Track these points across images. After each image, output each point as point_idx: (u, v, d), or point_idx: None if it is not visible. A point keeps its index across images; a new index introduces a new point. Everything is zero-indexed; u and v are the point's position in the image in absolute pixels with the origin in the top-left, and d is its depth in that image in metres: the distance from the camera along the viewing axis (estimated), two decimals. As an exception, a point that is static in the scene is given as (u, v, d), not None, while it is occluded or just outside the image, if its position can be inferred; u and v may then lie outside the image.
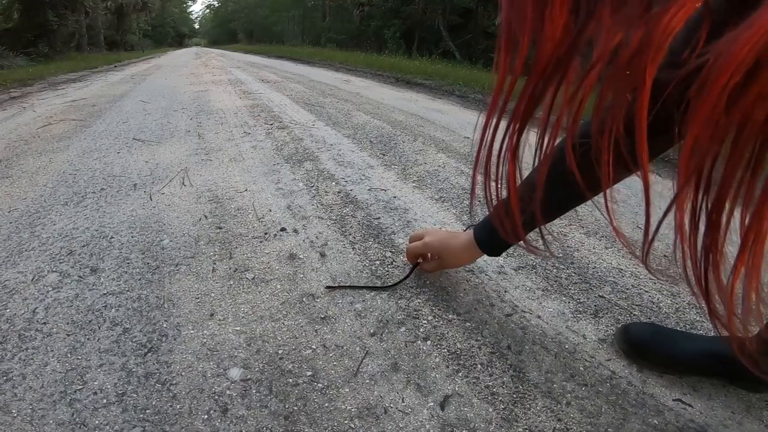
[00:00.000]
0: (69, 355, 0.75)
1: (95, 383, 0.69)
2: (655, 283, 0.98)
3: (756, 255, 0.27)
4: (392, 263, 1.04)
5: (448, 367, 0.73)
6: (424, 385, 0.69)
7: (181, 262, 1.04)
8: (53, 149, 2.09)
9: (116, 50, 19.39)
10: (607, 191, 0.33)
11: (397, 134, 2.34)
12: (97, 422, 0.63)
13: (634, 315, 0.87)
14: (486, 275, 0.99)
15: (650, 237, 0.35)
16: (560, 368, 0.73)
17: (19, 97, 4.08)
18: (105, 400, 0.66)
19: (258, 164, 1.80)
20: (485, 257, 1.05)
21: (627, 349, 0.75)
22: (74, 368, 0.72)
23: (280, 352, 0.76)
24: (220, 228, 1.22)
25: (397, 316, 0.85)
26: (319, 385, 0.69)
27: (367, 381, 0.70)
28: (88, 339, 0.79)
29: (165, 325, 0.82)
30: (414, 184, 1.57)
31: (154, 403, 0.66)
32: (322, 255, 1.08)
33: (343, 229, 1.21)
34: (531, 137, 0.34)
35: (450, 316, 0.85)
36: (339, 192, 1.49)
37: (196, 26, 66.57)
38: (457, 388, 0.69)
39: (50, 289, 0.94)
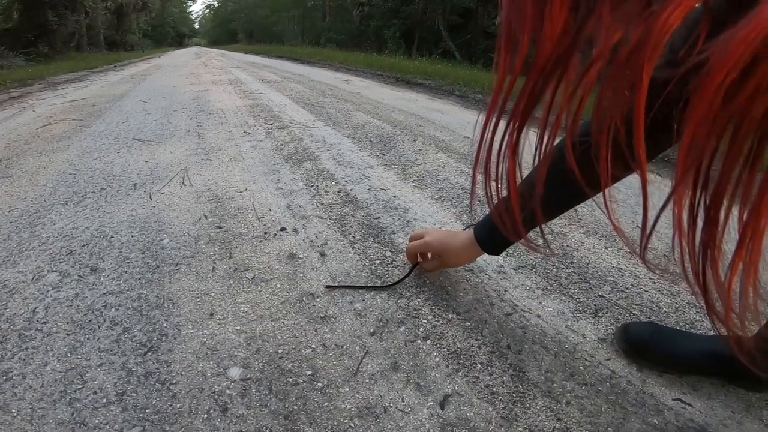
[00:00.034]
0: (69, 355, 0.75)
1: (95, 383, 0.69)
2: (654, 283, 0.98)
3: (753, 251, 0.27)
4: (392, 263, 1.04)
5: (447, 366, 0.73)
6: (424, 385, 0.69)
7: (181, 262, 1.04)
8: (53, 149, 2.09)
9: (116, 50, 19.39)
10: (607, 182, 0.33)
11: (397, 134, 2.34)
12: (96, 422, 0.63)
13: (633, 314, 0.87)
14: (486, 275, 0.99)
15: (648, 232, 0.35)
16: (560, 367, 0.73)
17: (19, 97, 4.08)
18: (105, 400, 0.66)
19: (258, 164, 1.80)
20: (485, 256, 1.05)
21: (627, 348, 0.75)
22: (74, 368, 0.72)
23: (279, 351, 0.76)
24: (220, 227, 1.22)
25: (396, 316, 0.85)
26: (319, 384, 0.69)
27: (367, 380, 0.70)
28: (87, 338, 0.79)
29: (165, 325, 0.82)
30: (414, 184, 1.57)
31: (153, 402, 0.66)
32: (322, 254, 1.08)
33: (343, 229, 1.21)
34: (531, 138, 0.34)
35: (450, 315, 0.85)
36: (339, 191, 1.49)
37: (196, 26, 66.59)
38: (456, 388, 0.69)
39: (50, 288, 0.94)
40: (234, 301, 0.89)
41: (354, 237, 1.17)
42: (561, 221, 1.27)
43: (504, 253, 1.08)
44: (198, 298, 0.90)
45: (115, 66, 9.14)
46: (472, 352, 0.76)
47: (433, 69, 6.16)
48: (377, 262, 1.04)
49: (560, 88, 0.30)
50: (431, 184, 1.57)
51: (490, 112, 0.34)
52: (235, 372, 0.71)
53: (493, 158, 0.36)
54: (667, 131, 0.38)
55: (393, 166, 1.78)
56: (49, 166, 1.82)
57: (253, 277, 0.98)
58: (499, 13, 0.32)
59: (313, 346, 0.77)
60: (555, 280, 0.98)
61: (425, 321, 0.84)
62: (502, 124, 0.34)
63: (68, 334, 0.80)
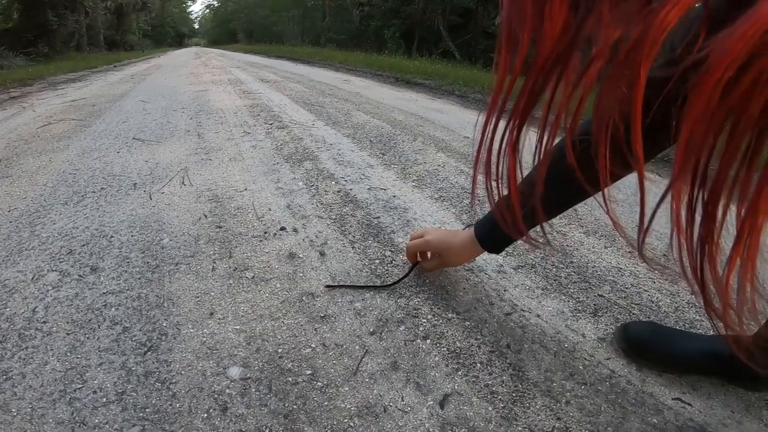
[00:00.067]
0: (69, 354, 0.75)
1: (95, 382, 0.69)
2: (654, 282, 0.98)
3: (751, 247, 0.27)
4: (392, 262, 1.04)
5: (447, 365, 0.73)
6: (424, 384, 0.69)
7: (181, 261, 1.04)
8: (53, 149, 2.09)
9: (116, 50, 19.38)
10: (606, 179, 0.33)
11: (397, 134, 2.34)
12: (96, 421, 0.63)
13: (633, 314, 0.87)
14: (485, 274, 0.99)
15: (645, 227, 0.35)
16: (559, 367, 0.73)
17: (19, 97, 4.08)
18: (105, 399, 0.66)
19: (258, 164, 1.80)
20: (485, 256, 1.05)
21: (626, 348, 0.75)
22: (74, 367, 0.72)
23: (279, 350, 0.76)
24: (220, 227, 1.22)
25: (396, 315, 0.85)
26: (319, 383, 0.69)
27: (367, 380, 0.70)
28: (87, 338, 0.79)
29: (165, 324, 0.82)
30: (413, 184, 1.57)
31: (153, 401, 0.66)
32: (322, 254, 1.08)
33: (343, 228, 1.21)
34: (531, 138, 0.34)
35: (449, 314, 0.85)
36: (338, 191, 1.49)
37: (196, 26, 66.58)
38: (456, 387, 0.69)
39: (50, 288, 0.94)
40: (234, 301, 0.89)
41: (354, 236, 1.17)
42: (561, 221, 1.27)
43: (503, 253, 1.08)
44: (198, 297, 0.90)
45: (115, 66, 9.14)
46: (472, 351, 0.76)
47: (433, 69, 6.16)
48: (377, 261, 1.04)
49: (560, 87, 0.30)
50: (431, 183, 1.57)
51: (491, 111, 0.34)
52: (234, 371, 0.71)
53: (494, 156, 0.36)
54: (666, 129, 0.38)
55: (393, 165, 1.78)
56: (48, 165, 1.82)
57: (253, 277, 0.98)
58: (500, 13, 0.32)
59: (313, 345, 0.77)
60: (555, 280, 0.98)
61: (425, 320, 0.84)
62: (503, 123, 0.34)
63: (68, 334, 0.80)
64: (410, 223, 1.25)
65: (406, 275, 0.94)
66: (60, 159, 1.91)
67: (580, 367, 0.73)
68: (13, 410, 0.64)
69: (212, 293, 0.92)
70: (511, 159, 0.35)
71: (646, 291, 0.95)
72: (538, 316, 0.86)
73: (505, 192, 0.38)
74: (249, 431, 0.61)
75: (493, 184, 0.37)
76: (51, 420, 0.63)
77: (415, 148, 2.05)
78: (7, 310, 0.87)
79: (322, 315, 0.85)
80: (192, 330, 0.81)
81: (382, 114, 2.94)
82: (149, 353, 0.75)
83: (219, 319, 0.84)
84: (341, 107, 3.19)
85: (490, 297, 0.91)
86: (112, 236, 1.18)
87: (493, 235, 0.80)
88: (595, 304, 0.90)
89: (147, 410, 0.64)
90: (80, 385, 0.69)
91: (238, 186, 1.54)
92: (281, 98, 3.65)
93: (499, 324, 0.83)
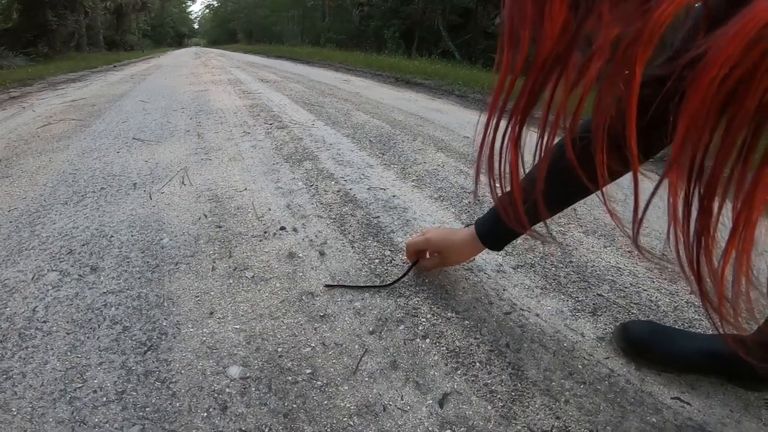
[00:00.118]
0: (69, 354, 0.75)
1: (95, 381, 0.69)
2: (653, 282, 0.98)
3: (746, 240, 0.28)
4: (391, 261, 1.04)
5: (446, 365, 0.73)
6: (423, 383, 0.69)
7: (181, 261, 1.04)
8: (53, 149, 2.09)
9: (116, 50, 19.37)
10: (603, 173, 0.34)
11: (397, 134, 2.34)
12: (96, 420, 0.63)
13: (632, 313, 0.87)
14: (485, 273, 1.00)
15: (639, 217, 0.36)
16: (559, 366, 0.73)
17: (19, 97, 4.08)
18: (105, 399, 0.66)
19: (257, 163, 1.80)
20: (484, 255, 1.06)
21: (625, 347, 0.76)
22: (74, 366, 0.72)
23: (279, 350, 0.76)
24: (220, 227, 1.22)
25: (396, 314, 0.85)
26: (319, 382, 0.69)
27: (366, 379, 0.70)
28: (87, 337, 0.79)
29: (165, 324, 0.82)
30: (413, 183, 1.57)
31: (153, 401, 0.66)
32: (322, 253, 1.08)
33: (343, 228, 1.21)
34: (531, 138, 0.35)
35: (449, 314, 0.86)
36: (338, 191, 1.49)
37: (196, 26, 66.55)
38: (455, 386, 0.69)
39: (50, 287, 0.95)
40: (234, 300, 0.89)
41: (353, 236, 1.17)
42: (560, 221, 1.27)
43: (503, 252, 1.08)
44: (198, 297, 0.90)
45: (115, 66, 9.14)
46: (471, 350, 0.76)
47: (433, 69, 6.17)
48: (376, 261, 1.05)
49: (560, 87, 0.31)
50: (430, 183, 1.58)
51: (493, 108, 0.34)
52: (234, 370, 0.72)
53: (496, 153, 0.36)
54: (664, 126, 0.38)
55: (392, 165, 1.78)
56: (48, 165, 1.82)
57: (253, 276, 0.98)
58: (501, 12, 0.32)
59: (313, 344, 0.77)
60: (554, 279, 0.98)
61: (424, 320, 0.84)
62: (504, 120, 0.35)
63: (68, 333, 0.80)
64: (410, 223, 1.25)
65: (405, 274, 0.95)
66: (60, 159, 1.91)
67: (579, 366, 0.73)
68: (14, 409, 0.64)
69: (212, 293, 0.92)
70: (513, 154, 0.36)
71: (645, 290, 0.95)
72: (538, 315, 0.86)
73: (508, 187, 0.38)
74: (249, 430, 0.61)
75: (496, 178, 0.38)
76: (51, 419, 0.63)
77: (415, 148, 2.05)
78: (8, 309, 0.87)
79: (321, 314, 0.85)
80: (192, 329, 0.81)
81: (381, 114, 2.94)
82: (149, 352, 0.75)
83: (219, 318, 0.84)
84: (341, 107, 3.20)
85: (489, 296, 0.92)
86: (112, 236, 1.18)
87: (494, 231, 0.80)
88: (594, 304, 0.90)
89: (147, 409, 0.65)
90: (80, 385, 0.69)
91: (237, 186, 1.54)
92: (281, 98, 3.65)
93: (498, 323, 0.83)
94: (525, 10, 0.30)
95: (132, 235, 1.18)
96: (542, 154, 0.35)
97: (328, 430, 0.61)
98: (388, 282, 0.94)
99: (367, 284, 0.95)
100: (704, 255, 0.32)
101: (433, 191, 1.50)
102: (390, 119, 2.75)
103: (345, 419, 0.63)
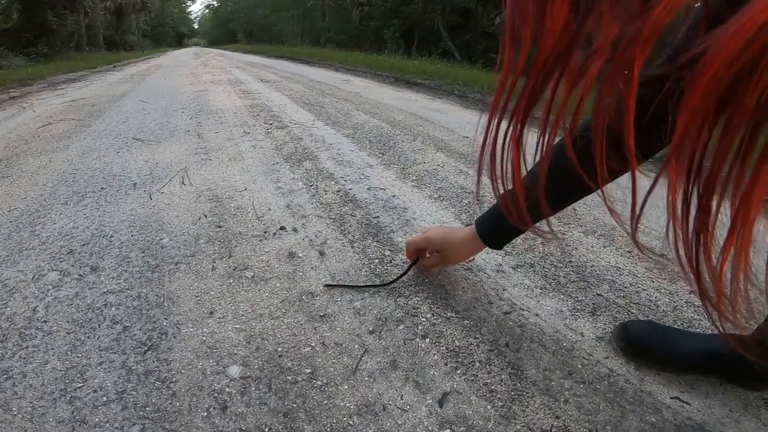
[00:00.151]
0: (69, 353, 0.75)
1: (95, 381, 0.70)
2: (653, 282, 0.98)
3: (744, 238, 0.28)
4: (391, 261, 1.04)
5: (446, 364, 0.73)
6: (423, 383, 0.69)
7: (181, 261, 1.04)
8: (53, 149, 2.09)
9: (115, 50, 19.36)
10: (603, 171, 0.34)
11: (397, 134, 2.34)
12: (97, 420, 0.63)
13: (631, 313, 0.87)
14: (484, 273, 1.00)
15: (637, 213, 0.36)
16: (558, 366, 0.73)
17: (19, 97, 4.08)
18: (105, 398, 0.66)
19: (257, 163, 1.80)
20: (483, 255, 1.06)
21: (625, 347, 0.76)
22: (74, 366, 0.73)
23: (279, 349, 0.76)
24: (220, 227, 1.22)
25: (395, 314, 0.85)
26: (318, 382, 0.69)
27: (366, 378, 0.70)
28: (88, 337, 0.79)
29: (165, 323, 0.83)
30: (413, 183, 1.57)
31: (153, 400, 0.66)
32: (322, 253, 1.08)
33: (342, 228, 1.22)
34: (532, 138, 0.35)
35: (448, 313, 0.86)
36: (338, 191, 1.49)
37: (196, 26, 66.53)
38: (455, 386, 0.69)
39: (50, 287, 0.95)
40: (234, 300, 0.89)
41: (353, 236, 1.17)
42: (559, 221, 1.27)
43: (502, 252, 1.08)
44: (198, 296, 0.91)
45: (115, 66, 9.13)
46: (471, 350, 0.77)
47: (433, 69, 6.17)
48: (376, 261, 1.05)
49: (561, 87, 0.31)
50: (430, 183, 1.58)
51: (495, 106, 0.35)
52: (234, 370, 0.72)
53: (498, 151, 0.37)
54: (664, 126, 0.38)
55: (392, 165, 1.78)
56: (48, 165, 1.82)
57: (253, 276, 0.98)
58: (502, 12, 0.33)
59: (313, 344, 0.77)
60: (553, 279, 0.98)
61: (424, 319, 0.84)
62: (505, 121, 0.35)
63: (68, 333, 0.80)
64: (409, 223, 1.25)
65: (405, 273, 0.95)
66: (60, 159, 1.91)
67: (579, 365, 0.74)
68: (14, 409, 0.65)
69: (212, 292, 0.92)
70: (515, 152, 0.36)
71: (644, 290, 0.95)
72: (537, 315, 0.86)
73: (510, 185, 0.39)
74: (249, 430, 0.61)
75: (498, 174, 0.38)
76: (51, 419, 0.63)
77: (415, 148, 2.05)
78: (8, 309, 0.87)
79: (321, 314, 0.85)
80: (192, 329, 0.81)
81: (381, 114, 2.94)
82: (149, 352, 0.76)
83: (219, 318, 0.84)
84: (341, 107, 3.20)
85: (489, 296, 0.92)
86: (112, 236, 1.18)
87: (495, 228, 0.80)
88: (593, 303, 0.90)
89: (147, 409, 0.65)
90: (81, 384, 0.69)
91: (237, 186, 1.54)
92: (281, 98, 3.65)
93: (497, 323, 0.83)
94: (527, 9, 0.30)
95: (132, 235, 1.18)
96: (543, 153, 0.36)
97: (328, 429, 0.62)
98: (388, 281, 0.95)
99: (367, 284, 0.95)
100: (703, 252, 0.32)
101: (432, 191, 1.50)
102: (390, 119, 2.75)
103: (345, 419, 0.63)
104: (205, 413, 0.64)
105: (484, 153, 0.37)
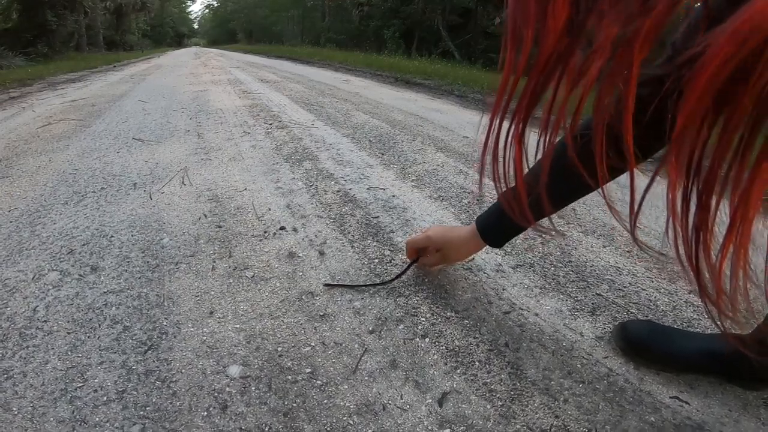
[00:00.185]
0: (69, 353, 0.75)
1: (96, 381, 0.70)
2: (652, 281, 0.98)
3: (743, 235, 0.28)
4: (391, 261, 1.05)
5: (446, 364, 0.73)
6: (423, 382, 0.70)
7: (181, 261, 1.04)
8: (53, 149, 2.09)
9: (115, 50, 19.35)
10: (602, 169, 0.35)
11: (396, 134, 2.34)
12: (97, 419, 0.63)
13: (631, 313, 0.87)
14: (484, 273, 1.00)
15: (636, 210, 0.37)
16: (558, 365, 0.73)
17: (19, 97, 4.08)
18: (105, 398, 0.67)
19: (257, 163, 1.80)
20: (483, 255, 1.06)
21: (624, 346, 0.76)
22: (75, 366, 0.73)
23: (279, 349, 0.76)
24: (220, 227, 1.22)
25: (395, 314, 0.85)
26: (318, 382, 0.69)
27: (366, 378, 0.70)
28: (88, 337, 0.79)
29: (165, 323, 0.83)
30: (413, 183, 1.57)
31: (154, 400, 0.66)
32: (321, 253, 1.08)
33: (342, 228, 1.22)
34: (533, 137, 0.35)
35: (448, 313, 0.86)
36: (338, 191, 1.49)
37: (195, 26, 66.51)
38: (455, 385, 0.69)
39: (51, 287, 0.95)
40: (234, 300, 0.90)
41: (353, 236, 1.17)
42: (559, 221, 1.27)
43: (502, 252, 1.08)
44: (198, 296, 0.91)
45: (115, 66, 9.14)
46: (471, 349, 0.77)
47: (433, 69, 6.17)
48: (376, 260, 1.05)
49: (561, 87, 0.31)
50: (430, 183, 1.58)
51: (497, 105, 0.35)
52: (234, 370, 0.72)
53: (500, 149, 0.37)
54: (664, 125, 0.39)
55: (392, 165, 1.79)
56: (49, 165, 1.82)
57: (253, 276, 0.98)
58: (504, 11, 0.33)
59: (313, 344, 0.78)
60: (553, 279, 0.98)
61: (424, 319, 0.84)
62: (507, 121, 0.36)
63: (69, 333, 0.80)
64: (409, 223, 1.25)
65: (404, 271, 0.95)
66: (60, 159, 1.91)
67: (578, 365, 0.74)
68: (14, 409, 0.65)
69: (212, 292, 0.92)
70: (517, 150, 0.36)
71: (644, 290, 0.95)
72: (537, 314, 0.86)
73: (512, 183, 0.39)
74: (249, 429, 0.62)
75: (500, 172, 0.38)
76: (52, 418, 0.63)
77: (415, 148, 2.05)
78: (8, 309, 0.87)
79: (321, 314, 0.85)
80: (192, 329, 0.81)
81: (381, 114, 2.94)
82: (150, 352, 0.76)
83: (219, 317, 0.84)
84: (341, 107, 3.20)
85: (488, 296, 0.92)
86: (112, 236, 1.18)
87: (496, 225, 0.80)
88: (593, 303, 0.90)
89: (147, 408, 0.65)
90: (81, 384, 0.69)
91: (237, 186, 1.54)
92: (281, 98, 3.65)
93: (497, 323, 0.84)
94: (528, 8, 0.30)
95: (132, 235, 1.18)
96: (545, 152, 0.36)
97: (328, 429, 0.62)
98: (387, 279, 0.95)
99: (367, 283, 0.95)
100: (703, 249, 0.32)
101: (432, 191, 1.50)
102: (390, 119, 2.75)
103: (345, 418, 0.63)
104: (205, 413, 0.64)
105: (486, 152, 0.37)
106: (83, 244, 1.13)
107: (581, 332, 0.81)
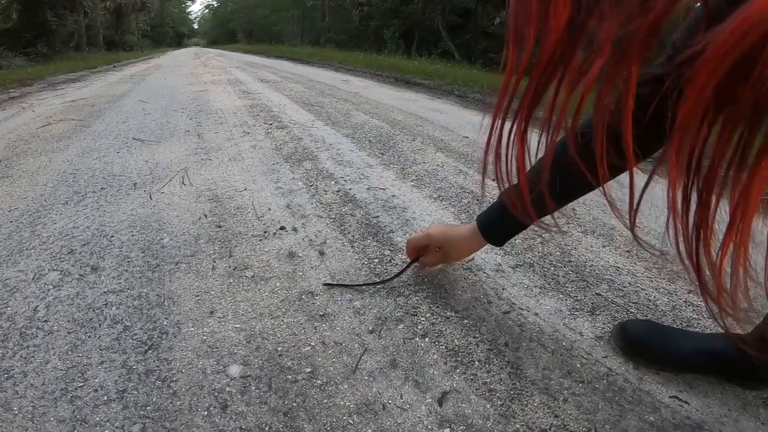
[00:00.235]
0: (70, 353, 0.76)
1: (96, 380, 0.70)
2: (652, 281, 0.98)
3: (743, 233, 0.28)
4: (390, 261, 1.05)
5: (446, 363, 0.73)
6: (422, 382, 0.70)
7: (181, 261, 1.05)
8: (53, 149, 2.09)
9: (115, 50, 19.33)
10: (603, 167, 0.35)
11: (396, 134, 2.34)
12: (97, 419, 0.63)
13: (630, 312, 0.87)
14: (484, 273, 1.00)
15: (635, 207, 0.37)
16: (557, 365, 0.74)
17: (19, 97, 4.08)
18: (106, 397, 0.67)
19: (257, 163, 1.80)
20: (483, 255, 1.06)
21: (624, 346, 0.76)
22: (75, 366, 0.73)
23: (279, 349, 0.76)
24: (220, 227, 1.22)
25: (395, 314, 0.85)
26: (318, 381, 0.70)
27: (366, 377, 0.70)
28: (88, 337, 0.80)
29: (165, 323, 0.83)
30: (413, 183, 1.57)
31: (154, 399, 0.66)
32: (321, 253, 1.08)
33: (342, 228, 1.22)
34: (534, 138, 0.36)
35: (448, 313, 0.86)
36: (338, 191, 1.49)
37: (195, 26, 66.48)
38: (455, 385, 0.69)
39: (51, 287, 0.95)
40: (234, 300, 0.90)
41: (353, 236, 1.17)
42: (559, 221, 1.27)
43: (502, 252, 1.08)
44: (198, 296, 0.91)
45: (115, 66, 9.13)
46: (470, 349, 0.77)
47: (433, 69, 6.17)
48: (376, 260, 1.05)
49: (562, 87, 0.32)
50: (430, 183, 1.58)
51: (499, 107, 0.35)
52: (234, 369, 0.72)
53: (503, 148, 0.37)
54: (664, 124, 0.39)
55: (392, 165, 1.79)
56: (49, 165, 1.82)
57: (253, 276, 0.98)
58: (505, 11, 0.33)
59: (313, 343, 0.78)
60: (552, 279, 0.98)
61: (424, 319, 0.84)
62: (509, 120, 0.36)
63: (69, 333, 0.81)
64: (409, 223, 1.25)
65: (404, 270, 0.95)
66: (60, 159, 1.91)
67: (578, 365, 0.74)
68: (15, 409, 0.65)
69: (212, 292, 0.92)
70: (519, 148, 0.36)
71: (643, 289, 0.95)
72: (536, 314, 0.86)
73: (515, 181, 0.39)
74: (249, 429, 0.62)
75: (503, 168, 0.38)
76: (52, 418, 0.63)
77: (414, 148, 2.05)
78: (9, 309, 0.87)
79: (321, 313, 0.86)
80: (192, 328, 0.81)
81: (381, 114, 2.94)
82: (150, 352, 0.76)
83: (219, 317, 0.84)
84: (340, 107, 3.20)
85: (488, 295, 0.92)
86: (112, 236, 1.18)
87: (497, 224, 0.80)
88: (592, 303, 0.90)
89: (148, 408, 0.65)
90: (81, 384, 0.69)
91: (237, 186, 1.54)
92: (281, 98, 3.65)
93: (497, 322, 0.84)
94: (530, 8, 0.30)
95: (132, 235, 1.18)
96: (546, 150, 0.37)
97: (328, 428, 0.62)
98: (387, 278, 0.95)
99: (367, 282, 0.95)
100: (703, 247, 0.32)
101: (432, 191, 1.50)
102: (389, 119, 2.75)
103: (345, 418, 0.63)
104: (206, 412, 0.64)
105: (488, 151, 0.38)
106: (83, 244, 1.13)
107: (581, 332, 0.82)
